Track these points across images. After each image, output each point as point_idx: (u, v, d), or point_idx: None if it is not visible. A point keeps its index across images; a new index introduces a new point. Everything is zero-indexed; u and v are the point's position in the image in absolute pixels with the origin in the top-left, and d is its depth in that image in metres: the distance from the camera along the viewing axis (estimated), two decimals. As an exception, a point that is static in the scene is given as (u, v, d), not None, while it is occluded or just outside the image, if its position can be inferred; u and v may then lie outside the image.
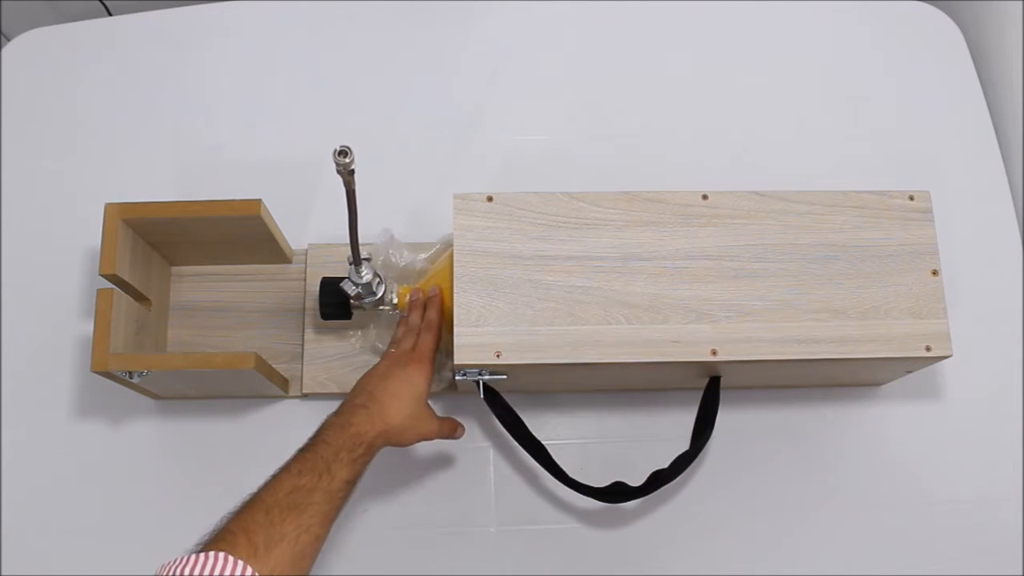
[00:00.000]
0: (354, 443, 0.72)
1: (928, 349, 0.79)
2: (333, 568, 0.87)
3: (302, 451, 0.72)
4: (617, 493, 0.84)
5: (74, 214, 0.96)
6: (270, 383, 0.85)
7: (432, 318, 0.83)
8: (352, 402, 0.76)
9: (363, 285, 0.83)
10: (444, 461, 0.91)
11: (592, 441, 0.92)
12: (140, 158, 1.01)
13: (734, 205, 0.82)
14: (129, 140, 1.02)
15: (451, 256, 0.80)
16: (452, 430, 0.84)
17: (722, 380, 0.85)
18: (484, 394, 0.81)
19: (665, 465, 0.83)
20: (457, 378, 0.80)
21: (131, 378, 0.78)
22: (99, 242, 0.80)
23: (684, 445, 0.84)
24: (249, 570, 0.59)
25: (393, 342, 0.84)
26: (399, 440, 0.77)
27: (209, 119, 1.04)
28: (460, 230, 0.80)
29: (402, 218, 0.95)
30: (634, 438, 0.92)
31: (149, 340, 0.87)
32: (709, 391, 0.85)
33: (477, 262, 0.79)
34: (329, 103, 1.05)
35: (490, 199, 0.81)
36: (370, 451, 0.73)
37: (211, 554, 0.59)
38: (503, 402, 0.83)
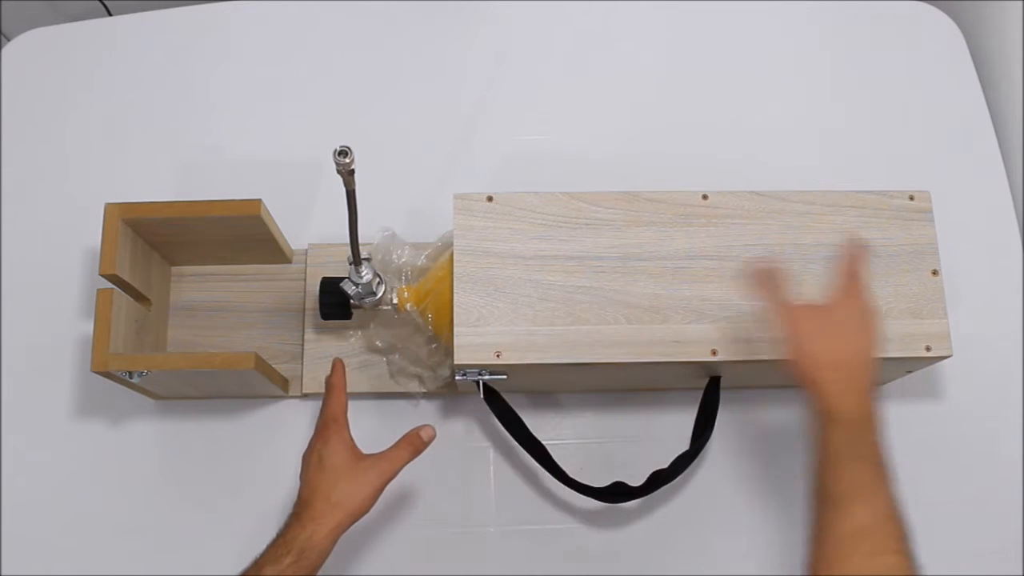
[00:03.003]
0: (278, 553, 0.70)
1: (928, 349, 0.79)
2: (332, 568, 0.87)
3: None
4: (617, 493, 0.84)
5: (74, 214, 0.96)
6: (270, 383, 0.85)
7: (334, 381, 0.81)
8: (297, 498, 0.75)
9: (363, 285, 0.83)
10: (444, 461, 0.90)
11: (592, 441, 0.92)
12: (140, 158, 1.01)
13: (734, 205, 0.82)
14: (129, 140, 1.02)
15: (451, 256, 0.80)
16: (412, 448, 0.77)
17: (722, 380, 0.85)
18: (484, 394, 0.81)
19: (665, 465, 0.83)
20: (457, 378, 0.80)
21: (131, 378, 0.78)
22: (99, 242, 0.80)
23: (684, 445, 0.84)
24: None
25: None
26: (349, 516, 0.74)
27: (209, 119, 1.04)
28: (460, 230, 0.80)
29: (402, 218, 0.95)
30: (634, 438, 0.92)
31: (149, 340, 0.87)
32: (709, 391, 0.85)
33: (477, 262, 0.79)
34: (329, 103, 1.05)
35: (490, 199, 0.81)
36: (305, 554, 0.71)
37: None
38: (503, 402, 0.83)
